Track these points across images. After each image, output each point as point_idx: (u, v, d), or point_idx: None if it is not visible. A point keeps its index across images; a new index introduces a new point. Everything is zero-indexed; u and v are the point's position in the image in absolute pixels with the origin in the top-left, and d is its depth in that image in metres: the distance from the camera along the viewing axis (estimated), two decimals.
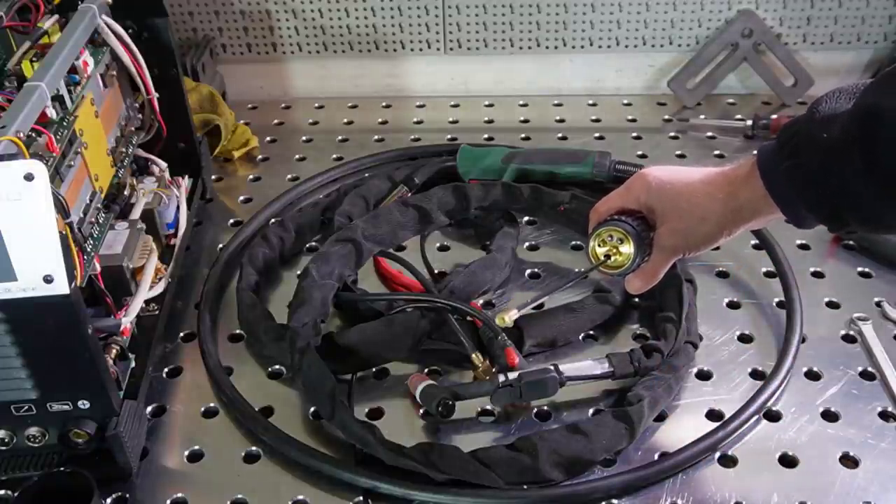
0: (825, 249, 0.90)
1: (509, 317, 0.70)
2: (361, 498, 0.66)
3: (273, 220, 0.95)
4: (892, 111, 0.53)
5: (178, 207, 0.89)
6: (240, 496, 0.67)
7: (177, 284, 0.85)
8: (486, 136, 1.13)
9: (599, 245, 0.71)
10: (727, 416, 0.71)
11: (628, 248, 0.69)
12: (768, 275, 0.87)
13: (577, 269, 0.89)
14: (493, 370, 0.73)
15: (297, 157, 1.11)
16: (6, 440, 0.64)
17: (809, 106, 0.61)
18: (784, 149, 0.61)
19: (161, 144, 0.91)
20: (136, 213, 0.82)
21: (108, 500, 0.66)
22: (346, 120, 1.19)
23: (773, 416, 0.72)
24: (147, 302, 0.78)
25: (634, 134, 1.14)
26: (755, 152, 0.64)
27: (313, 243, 0.94)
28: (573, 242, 0.93)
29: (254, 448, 0.71)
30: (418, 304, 0.79)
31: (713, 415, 0.72)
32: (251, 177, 1.07)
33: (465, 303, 0.78)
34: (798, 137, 0.60)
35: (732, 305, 0.84)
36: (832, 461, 0.67)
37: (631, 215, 0.70)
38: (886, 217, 0.58)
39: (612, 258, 0.70)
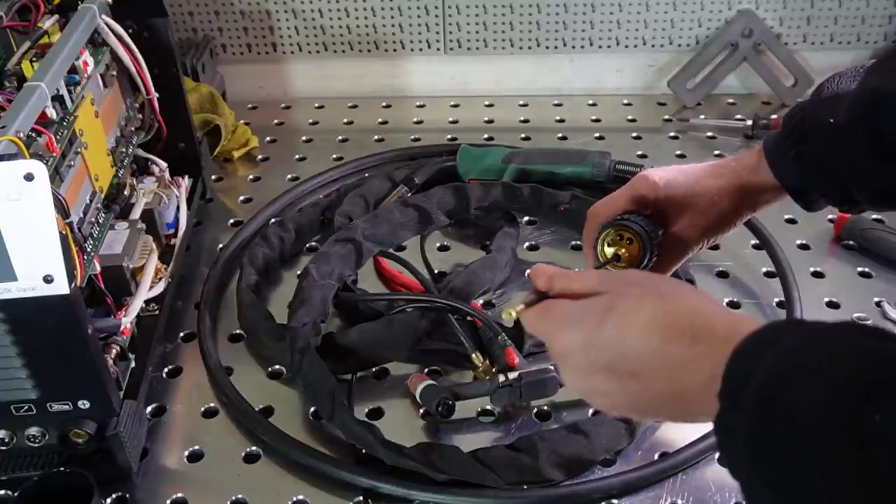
0: (825, 249, 0.90)
1: (517, 311, 0.66)
2: (361, 498, 0.66)
3: (273, 220, 0.95)
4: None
5: (178, 207, 0.89)
6: (240, 496, 0.67)
7: (177, 284, 0.85)
8: (486, 136, 1.13)
9: (608, 245, 0.70)
10: None
11: (637, 249, 0.68)
12: (768, 275, 0.87)
13: (577, 269, 0.89)
14: (493, 370, 0.73)
15: (297, 157, 1.11)
16: (6, 440, 0.64)
17: (812, 92, 0.61)
18: (790, 135, 0.61)
19: (161, 144, 0.91)
20: (136, 213, 0.82)
21: (108, 500, 0.67)
22: (346, 120, 1.19)
23: None
24: (147, 302, 0.78)
25: (634, 134, 1.14)
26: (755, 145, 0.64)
27: (313, 243, 0.94)
28: (573, 242, 0.93)
29: (254, 448, 0.71)
30: (418, 304, 0.79)
31: None
32: (251, 177, 1.07)
33: (464, 303, 0.78)
34: (804, 123, 0.60)
35: (732, 305, 0.84)
36: None
37: (637, 215, 0.70)
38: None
39: (621, 259, 0.69)
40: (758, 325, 0.42)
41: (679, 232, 0.68)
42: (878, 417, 0.33)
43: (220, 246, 0.93)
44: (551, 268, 0.56)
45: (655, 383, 0.46)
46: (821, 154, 0.59)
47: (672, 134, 1.13)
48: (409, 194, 0.96)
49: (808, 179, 0.61)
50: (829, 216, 0.92)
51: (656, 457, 0.68)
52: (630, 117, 1.18)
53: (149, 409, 0.74)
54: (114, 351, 0.68)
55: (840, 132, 0.58)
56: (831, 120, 0.58)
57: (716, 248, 0.89)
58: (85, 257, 0.66)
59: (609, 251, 0.69)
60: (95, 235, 0.72)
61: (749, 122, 1.10)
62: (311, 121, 1.20)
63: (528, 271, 0.58)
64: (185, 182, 0.94)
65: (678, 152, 1.09)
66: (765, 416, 0.37)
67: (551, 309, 0.54)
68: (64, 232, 0.57)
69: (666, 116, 1.17)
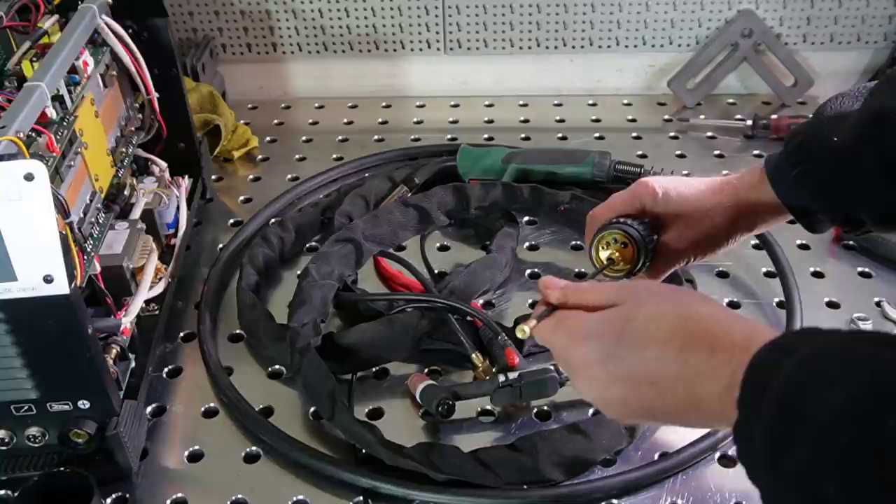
0: (825, 249, 0.90)
1: (530, 327, 0.61)
2: (361, 498, 0.66)
3: (273, 220, 0.95)
4: None
5: (178, 207, 0.89)
6: (240, 496, 0.67)
7: (177, 284, 0.85)
8: (486, 136, 1.13)
9: (603, 248, 0.69)
10: None
11: (631, 253, 0.68)
12: (768, 275, 0.87)
13: (576, 270, 0.89)
14: (493, 370, 0.73)
15: (297, 157, 1.11)
16: (6, 440, 0.64)
17: (814, 112, 0.61)
18: (793, 156, 0.61)
19: (161, 144, 0.91)
20: (136, 213, 0.82)
21: (108, 500, 0.67)
22: (346, 120, 1.19)
23: None
24: (147, 302, 0.78)
25: (634, 134, 1.14)
26: (755, 157, 0.64)
27: (313, 243, 0.94)
28: (573, 242, 0.93)
29: (254, 448, 0.71)
30: (418, 304, 0.79)
31: None
32: (251, 177, 1.07)
33: (465, 303, 0.78)
34: (807, 143, 0.60)
35: (732, 305, 0.84)
36: None
37: (633, 219, 0.69)
38: None
39: (616, 262, 0.69)
40: (775, 333, 0.42)
41: (668, 241, 0.68)
42: (893, 423, 0.33)
43: (220, 246, 0.93)
44: (562, 280, 0.56)
45: (674, 392, 0.46)
46: (824, 174, 0.59)
47: (672, 134, 1.13)
48: (409, 194, 0.96)
49: (812, 199, 0.61)
50: None
51: (656, 457, 0.68)
52: (630, 117, 1.18)
53: (149, 409, 0.74)
54: (114, 351, 0.68)
55: (844, 152, 0.57)
56: (835, 139, 0.58)
57: None
58: (85, 257, 0.66)
59: (604, 255, 0.69)
60: (95, 235, 0.72)
61: (749, 122, 1.10)
62: (311, 121, 1.20)
63: (538, 281, 0.58)
64: (185, 182, 0.94)
65: (678, 152, 1.09)
66: (781, 424, 0.38)
67: (566, 321, 0.54)
68: (64, 232, 0.57)
69: (666, 116, 1.17)
